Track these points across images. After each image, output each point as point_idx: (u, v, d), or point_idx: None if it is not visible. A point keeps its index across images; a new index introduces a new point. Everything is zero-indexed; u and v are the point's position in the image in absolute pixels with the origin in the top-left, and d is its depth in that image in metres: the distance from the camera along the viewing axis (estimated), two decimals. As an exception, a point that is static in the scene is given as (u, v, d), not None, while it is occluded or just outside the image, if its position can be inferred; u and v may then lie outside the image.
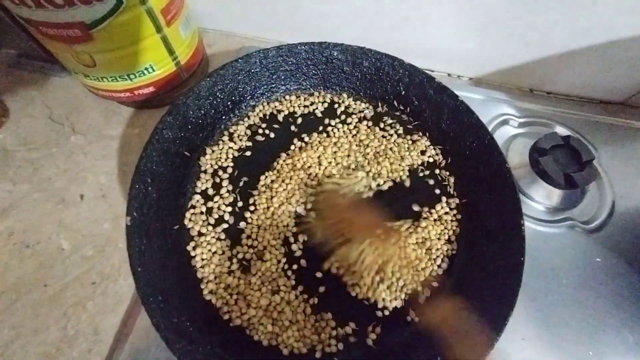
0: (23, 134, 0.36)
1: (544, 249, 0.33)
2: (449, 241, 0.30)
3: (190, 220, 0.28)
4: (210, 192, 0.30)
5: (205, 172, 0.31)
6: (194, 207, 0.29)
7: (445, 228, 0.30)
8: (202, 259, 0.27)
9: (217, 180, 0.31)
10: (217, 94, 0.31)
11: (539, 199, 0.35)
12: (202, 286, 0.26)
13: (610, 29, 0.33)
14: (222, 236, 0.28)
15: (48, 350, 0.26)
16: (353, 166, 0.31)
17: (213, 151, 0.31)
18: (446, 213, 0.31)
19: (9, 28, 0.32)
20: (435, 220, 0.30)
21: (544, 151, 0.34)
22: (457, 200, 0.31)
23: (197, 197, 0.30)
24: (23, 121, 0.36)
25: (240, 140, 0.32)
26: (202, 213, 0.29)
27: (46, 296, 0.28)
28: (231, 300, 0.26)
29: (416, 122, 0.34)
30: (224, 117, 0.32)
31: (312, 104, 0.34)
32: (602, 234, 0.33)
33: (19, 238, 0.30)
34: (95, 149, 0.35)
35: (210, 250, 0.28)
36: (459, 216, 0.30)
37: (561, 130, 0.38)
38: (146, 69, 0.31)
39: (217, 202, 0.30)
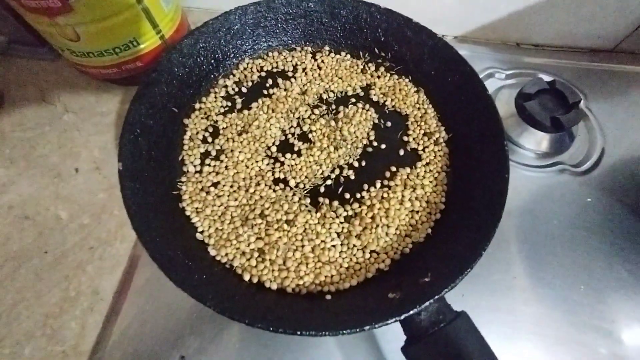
0: (17, 116, 0.37)
1: (536, 193, 0.33)
2: (438, 176, 0.30)
3: (182, 173, 0.29)
4: (201, 150, 0.31)
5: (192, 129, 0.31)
6: (184, 162, 0.30)
7: (436, 164, 0.31)
8: (196, 210, 0.28)
9: (206, 135, 0.31)
10: (200, 51, 0.31)
11: (528, 146, 0.35)
12: (199, 236, 0.27)
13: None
14: (212, 189, 0.29)
15: (51, 310, 0.27)
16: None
17: (200, 108, 0.32)
18: (435, 150, 0.31)
19: (-2, 16, 0.33)
20: (427, 164, 0.31)
21: (530, 96, 0.34)
22: (444, 136, 0.32)
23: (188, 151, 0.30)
24: (17, 104, 0.37)
25: (226, 96, 0.33)
26: (194, 168, 0.30)
27: (47, 262, 0.29)
28: (226, 247, 0.26)
29: (398, 67, 0.34)
30: (209, 75, 0.33)
31: (294, 58, 0.35)
32: (592, 176, 0.33)
33: (18, 211, 0.31)
34: (87, 126, 0.36)
35: (202, 203, 0.28)
36: (446, 150, 0.31)
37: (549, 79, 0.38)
38: (130, 42, 0.32)
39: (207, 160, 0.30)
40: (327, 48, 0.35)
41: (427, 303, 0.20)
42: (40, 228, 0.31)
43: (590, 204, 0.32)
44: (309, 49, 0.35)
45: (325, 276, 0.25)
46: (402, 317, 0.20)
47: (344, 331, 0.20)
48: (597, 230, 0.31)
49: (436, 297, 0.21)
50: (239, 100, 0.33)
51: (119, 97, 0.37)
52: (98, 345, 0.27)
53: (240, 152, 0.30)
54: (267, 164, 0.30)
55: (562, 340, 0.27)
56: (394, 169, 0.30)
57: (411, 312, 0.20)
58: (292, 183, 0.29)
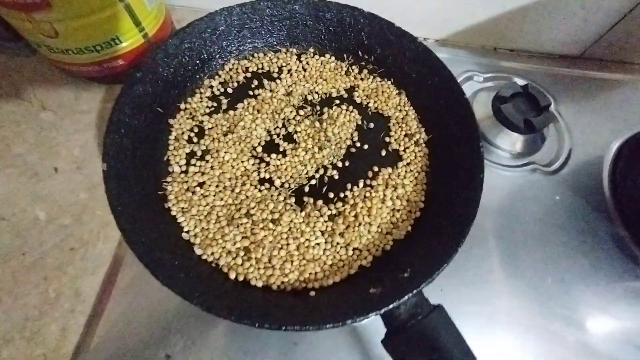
0: (-10, 114, 0.35)
1: (509, 191, 0.35)
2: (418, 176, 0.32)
3: (168, 173, 0.29)
4: (187, 150, 0.31)
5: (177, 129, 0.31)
6: (170, 163, 0.30)
7: (416, 164, 0.32)
8: (182, 210, 0.28)
9: (192, 135, 0.31)
10: (185, 51, 0.31)
11: (504, 146, 0.37)
12: (185, 236, 0.27)
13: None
14: (198, 189, 0.29)
15: (30, 312, 0.27)
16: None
17: (186, 109, 0.32)
18: (415, 151, 0.32)
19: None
20: (407, 164, 0.32)
21: (505, 99, 0.36)
22: (424, 137, 0.33)
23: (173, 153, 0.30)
24: (-11, 101, 0.36)
25: (212, 97, 0.33)
26: (179, 168, 0.30)
27: (25, 264, 0.28)
28: (212, 247, 0.27)
29: (381, 70, 0.35)
30: (194, 75, 0.33)
31: (279, 59, 0.35)
32: (560, 175, 0.36)
33: (-7, 211, 0.30)
34: (66, 124, 0.35)
35: (187, 203, 0.28)
36: (426, 150, 0.32)
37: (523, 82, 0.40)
38: (112, 40, 0.31)
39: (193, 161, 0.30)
40: (311, 50, 0.36)
41: (405, 297, 0.21)
42: (18, 229, 0.30)
43: (558, 202, 0.34)
44: (294, 50, 0.36)
45: (310, 273, 0.26)
46: (382, 310, 0.21)
47: (327, 325, 0.20)
48: (564, 226, 0.33)
49: (414, 291, 0.22)
50: (224, 101, 0.33)
51: (99, 95, 0.37)
52: (80, 347, 0.26)
53: (225, 152, 0.30)
54: (253, 164, 0.30)
55: (532, 328, 0.29)
56: (376, 169, 0.31)
57: (391, 306, 0.21)
58: (277, 183, 0.30)
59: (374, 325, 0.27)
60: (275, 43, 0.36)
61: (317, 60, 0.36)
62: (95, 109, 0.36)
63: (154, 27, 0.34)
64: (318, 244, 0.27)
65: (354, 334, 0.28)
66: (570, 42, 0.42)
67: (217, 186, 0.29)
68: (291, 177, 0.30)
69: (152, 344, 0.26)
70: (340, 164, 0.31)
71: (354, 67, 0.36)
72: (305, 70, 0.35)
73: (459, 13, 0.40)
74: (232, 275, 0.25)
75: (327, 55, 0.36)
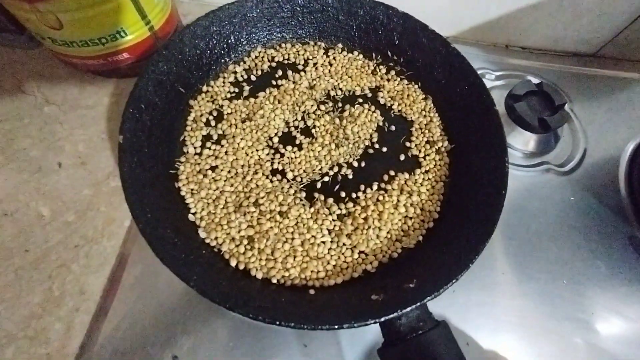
0: (-8, 107, 0.34)
1: (522, 192, 0.34)
2: (436, 185, 0.30)
3: (182, 153, 0.29)
4: (203, 132, 0.31)
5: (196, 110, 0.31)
6: (185, 143, 0.30)
7: (435, 173, 0.31)
8: (191, 191, 0.28)
9: (210, 118, 0.31)
10: (213, 35, 0.31)
11: (517, 146, 0.36)
12: (191, 217, 0.27)
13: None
14: (210, 172, 0.29)
15: (34, 310, 0.26)
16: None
17: (207, 91, 0.32)
18: (435, 159, 0.31)
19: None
20: (426, 171, 0.31)
21: (519, 97, 0.35)
22: (446, 146, 0.32)
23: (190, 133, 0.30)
24: (-8, 95, 0.35)
25: (235, 82, 0.33)
26: (194, 149, 0.30)
27: (28, 261, 0.27)
28: (217, 231, 0.27)
29: (409, 72, 0.34)
30: (220, 59, 0.33)
31: (306, 52, 0.35)
32: (575, 175, 0.35)
33: (-5, 207, 0.30)
34: (71, 119, 0.34)
35: (198, 185, 0.28)
36: (447, 160, 0.31)
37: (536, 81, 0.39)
38: (118, 32, 0.30)
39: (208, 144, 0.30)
40: (340, 46, 0.35)
41: (408, 308, 0.20)
42: (21, 225, 0.29)
43: (573, 202, 0.33)
44: (322, 44, 0.35)
45: (312, 271, 0.26)
46: (382, 319, 0.20)
47: (323, 327, 0.20)
48: (579, 227, 0.32)
49: (418, 303, 0.21)
50: (246, 88, 0.33)
51: (104, 89, 0.36)
52: (85, 346, 0.25)
53: (241, 139, 0.30)
54: (267, 154, 0.30)
55: (545, 331, 0.28)
56: (392, 173, 0.30)
57: (391, 315, 0.20)
58: (289, 175, 0.29)
59: (373, 332, 0.26)
60: (304, 35, 0.35)
61: (344, 56, 0.35)
62: (100, 104, 0.35)
63: (160, 20, 0.33)
64: (323, 242, 0.27)
65: (367, 339, 0.27)
66: (584, 40, 0.40)
67: (229, 172, 0.29)
68: (304, 171, 0.30)
69: (159, 344, 0.25)
70: (355, 164, 0.30)
71: (381, 67, 0.35)
72: (331, 65, 0.35)
73: (470, 10, 0.39)
74: (233, 263, 0.25)
75: (355, 53, 0.35)
